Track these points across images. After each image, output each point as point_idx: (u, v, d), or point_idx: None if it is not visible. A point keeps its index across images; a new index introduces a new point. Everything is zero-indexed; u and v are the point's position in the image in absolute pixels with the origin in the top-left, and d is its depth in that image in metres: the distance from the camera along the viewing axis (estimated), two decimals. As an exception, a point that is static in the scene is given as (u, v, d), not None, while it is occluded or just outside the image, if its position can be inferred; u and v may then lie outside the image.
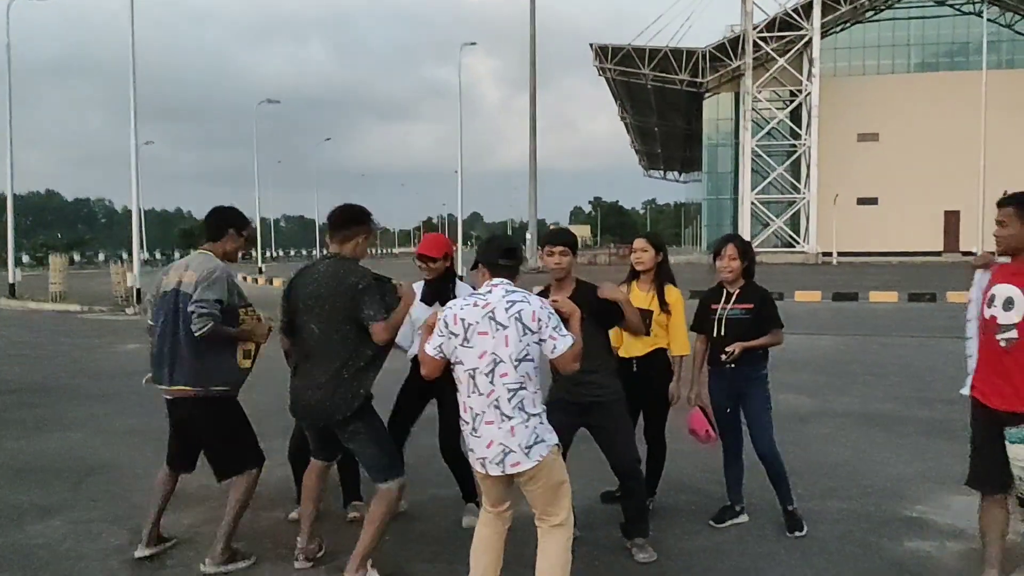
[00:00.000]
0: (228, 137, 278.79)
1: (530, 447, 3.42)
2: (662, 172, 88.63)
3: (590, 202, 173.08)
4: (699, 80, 50.42)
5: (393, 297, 4.15)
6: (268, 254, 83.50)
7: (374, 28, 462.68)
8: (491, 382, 3.43)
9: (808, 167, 49.34)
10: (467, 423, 3.53)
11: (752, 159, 49.99)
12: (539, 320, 3.44)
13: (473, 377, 3.46)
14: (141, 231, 25.10)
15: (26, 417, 8.05)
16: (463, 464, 4.71)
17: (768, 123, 50.50)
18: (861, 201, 50.41)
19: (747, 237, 52.42)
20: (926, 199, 48.94)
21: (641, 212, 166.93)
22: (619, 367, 4.73)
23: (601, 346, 4.37)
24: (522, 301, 3.47)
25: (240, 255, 4.70)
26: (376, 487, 4.11)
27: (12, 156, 25.52)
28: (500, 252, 3.63)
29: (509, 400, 3.42)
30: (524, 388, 3.44)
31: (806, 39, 48.47)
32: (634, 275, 5.14)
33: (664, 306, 4.97)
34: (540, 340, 3.45)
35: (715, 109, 53.50)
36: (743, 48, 48.99)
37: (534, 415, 3.46)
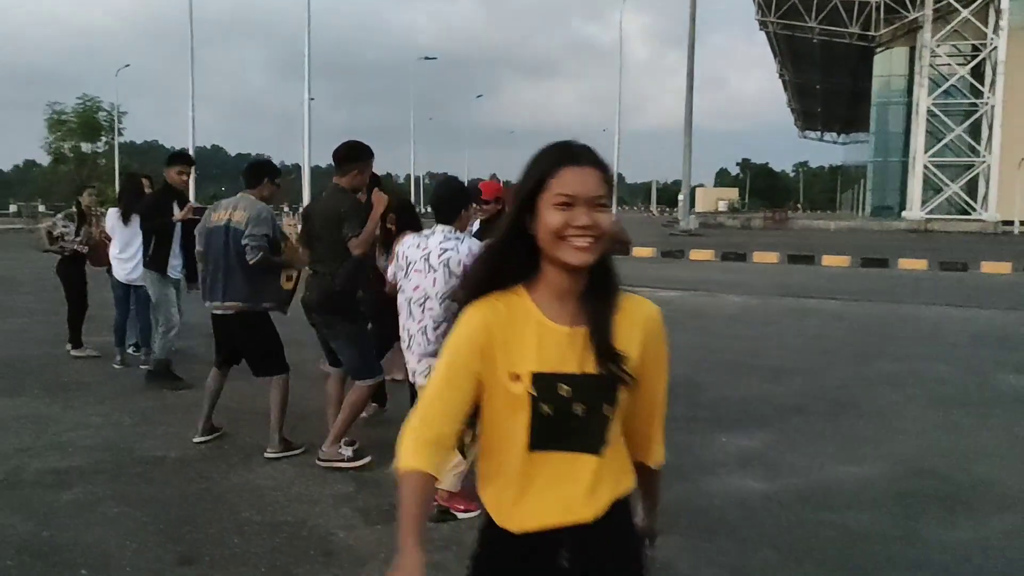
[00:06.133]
0: (377, 93, 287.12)
1: None
2: (819, 133, 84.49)
3: (737, 164, 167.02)
4: (871, 33, 47.36)
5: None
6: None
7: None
8: (422, 312, 4.10)
9: (990, 128, 45.54)
10: (404, 341, 4.22)
11: (927, 119, 46.59)
12: (463, 265, 3.95)
13: (409, 305, 4.14)
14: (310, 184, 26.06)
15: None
16: None
17: (946, 80, 46.84)
18: (1050, 165, 46.15)
19: (917, 203, 48.81)
20: None
21: (792, 175, 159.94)
22: None
23: None
24: (452, 249, 4.02)
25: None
26: (353, 383, 5.05)
27: (194, 111, 27.09)
28: (432, 204, 4.17)
29: (435, 330, 4.06)
30: (447, 322, 3.99)
31: (995, -13, 44.45)
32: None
33: (614, 364, 1.63)
34: None
35: (887, 65, 50.11)
36: (922, -2, 45.50)
37: None
